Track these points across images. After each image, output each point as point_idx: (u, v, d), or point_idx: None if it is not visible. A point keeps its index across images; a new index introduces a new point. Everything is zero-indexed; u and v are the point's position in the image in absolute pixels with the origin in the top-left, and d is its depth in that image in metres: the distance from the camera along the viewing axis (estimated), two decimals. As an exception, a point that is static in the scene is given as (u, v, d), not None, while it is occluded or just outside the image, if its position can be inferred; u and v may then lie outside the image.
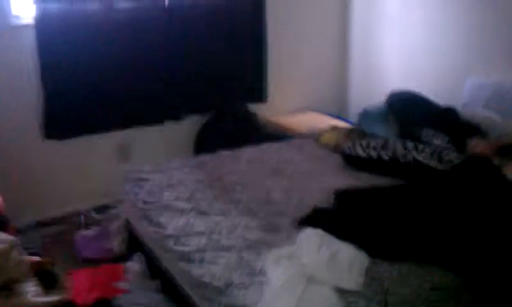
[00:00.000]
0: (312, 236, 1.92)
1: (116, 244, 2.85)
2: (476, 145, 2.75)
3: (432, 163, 2.56)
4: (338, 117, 4.33)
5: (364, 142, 2.82)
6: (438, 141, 2.79)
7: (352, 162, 2.81)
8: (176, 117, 3.74)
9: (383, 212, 2.10)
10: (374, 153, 2.70)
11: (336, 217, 2.12)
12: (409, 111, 3.24)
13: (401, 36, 4.03)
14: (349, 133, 3.21)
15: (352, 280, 1.70)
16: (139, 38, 3.47)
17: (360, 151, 2.77)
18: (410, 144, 2.71)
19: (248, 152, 3.03)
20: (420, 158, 2.59)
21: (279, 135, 3.76)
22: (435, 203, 2.12)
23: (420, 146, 2.69)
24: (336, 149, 3.02)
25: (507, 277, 1.76)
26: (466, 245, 1.85)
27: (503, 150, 2.62)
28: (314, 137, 3.32)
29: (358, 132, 3.21)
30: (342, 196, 2.28)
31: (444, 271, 1.78)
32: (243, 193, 2.46)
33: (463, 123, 3.01)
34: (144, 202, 2.50)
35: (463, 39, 3.52)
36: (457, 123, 3.02)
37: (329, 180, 2.57)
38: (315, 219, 2.09)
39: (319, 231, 1.95)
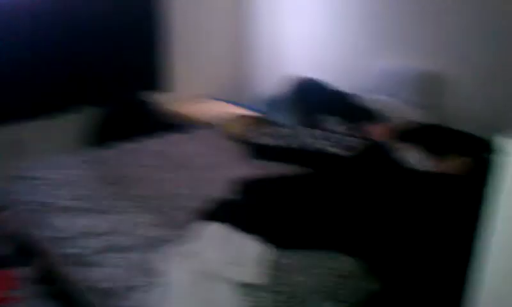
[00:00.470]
0: (215, 231, 1.86)
1: (6, 249, 2.62)
2: (374, 129, 2.84)
3: (338, 150, 2.60)
4: (242, 105, 4.31)
5: (272, 131, 2.82)
6: (342, 128, 2.85)
7: (260, 151, 2.78)
8: (71, 109, 3.53)
9: (288, 202, 2.10)
10: (282, 142, 2.70)
11: (241, 209, 2.08)
12: (311, 98, 3.28)
13: (305, 23, 4.08)
14: (255, 122, 3.19)
15: (259, 274, 1.67)
16: (28, 31, 3.24)
17: (267, 140, 2.76)
18: (317, 132, 2.74)
19: (150, 145, 2.91)
20: (327, 146, 2.63)
21: (182, 124, 3.67)
22: (339, 191, 2.15)
23: (326, 134, 2.73)
24: (242, 138, 2.98)
25: (410, 263, 1.82)
26: (370, 232, 1.89)
27: (404, 135, 2.72)
28: (219, 126, 3.26)
29: (264, 121, 3.20)
30: (247, 186, 2.25)
31: (350, 259, 1.80)
32: (146, 189, 2.35)
33: (365, 109, 3.10)
34: (38, 203, 2.31)
35: (368, 27, 3.61)
36: (360, 109, 3.11)
37: (236, 171, 2.53)
38: (219, 212, 2.03)
39: (223, 226, 1.89)
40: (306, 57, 4.10)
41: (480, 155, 2.48)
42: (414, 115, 3.04)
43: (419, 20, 3.27)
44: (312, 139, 2.69)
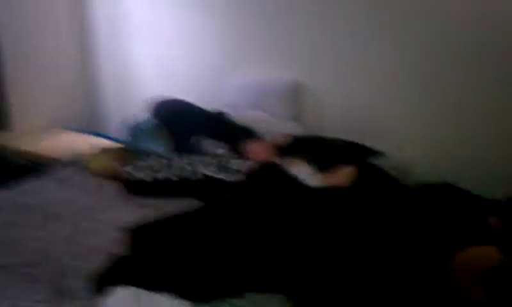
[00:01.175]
0: (122, 299, 1.58)
1: None
2: (254, 147, 2.77)
3: (222, 175, 2.47)
4: (96, 134, 3.95)
5: (144, 164, 2.57)
6: (219, 149, 2.72)
7: (135, 188, 2.51)
8: None
9: (189, 245, 1.89)
10: (159, 175, 2.48)
11: (139, 265, 1.81)
12: (179, 120, 3.08)
13: (153, 41, 3.87)
14: (122, 154, 2.88)
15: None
16: None
17: (142, 175, 2.51)
18: (196, 159, 2.57)
19: (8, 197, 2.43)
20: (209, 172, 2.47)
21: (35, 165, 3.22)
22: (239, 221, 2.02)
23: (205, 159, 2.58)
24: (112, 175, 2.67)
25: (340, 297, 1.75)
26: (286, 262, 1.79)
27: (286, 150, 2.69)
28: (80, 163, 2.89)
29: (131, 152, 2.91)
30: (136, 236, 1.98)
31: (273, 297, 1.68)
32: (13, 255, 1.94)
33: (239, 127, 3.01)
34: None
35: (220, 42, 3.54)
36: (232, 127, 3.01)
37: (115, 216, 2.24)
38: (115, 273, 1.74)
39: (129, 290, 1.62)
40: (159, 76, 3.90)
41: (363, 161, 2.55)
42: (287, 127, 3.05)
43: (274, 31, 3.30)
44: (192, 167, 2.52)
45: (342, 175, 2.37)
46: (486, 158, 2.76)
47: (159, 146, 2.89)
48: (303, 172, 2.41)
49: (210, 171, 2.48)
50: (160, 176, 2.47)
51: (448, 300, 1.67)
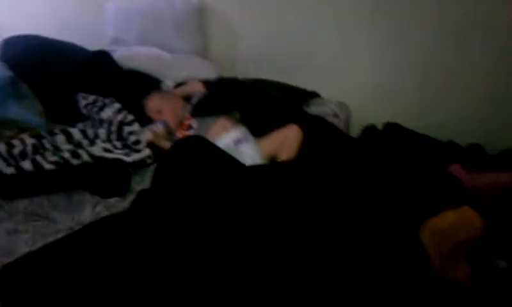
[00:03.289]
0: None
1: None
2: (156, 104, 2.05)
3: (118, 153, 1.74)
4: None
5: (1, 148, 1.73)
6: (110, 110, 1.95)
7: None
8: None
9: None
10: (26, 164, 1.67)
11: None
12: (43, 69, 2.21)
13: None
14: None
15: None
16: None
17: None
18: (76, 132, 1.80)
19: None
20: (101, 152, 1.73)
21: None
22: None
23: (90, 131, 1.82)
24: None
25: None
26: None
27: (196, 105, 2.01)
28: None
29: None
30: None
31: None
32: None
33: (127, 73, 2.23)
34: None
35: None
36: (120, 74, 2.23)
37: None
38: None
39: None
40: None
41: (302, 114, 1.99)
42: (194, 69, 2.33)
43: None
44: (73, 146, 1.76)
45: (287, 144, 1.78)
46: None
47: (22, 110, 2.01)
48: (236, 140, 1.77)
49: (102, 150, 1.73)
50: (27, 164, 1.66)
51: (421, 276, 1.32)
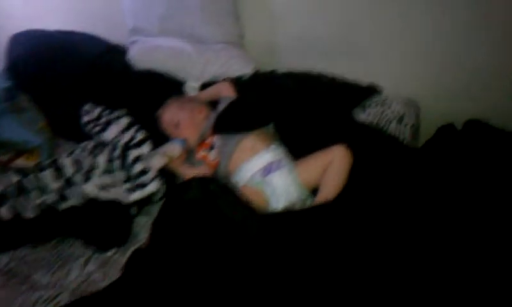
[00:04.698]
0: None
1: None
2: (172, 116, 1.66)
3: (122, 192, 1.40)
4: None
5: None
6: (115, 128, 1.60)
7: None
8: None
9: None
10: (3, 210, 1.36)
11: None
12: (50, 70, 1.88)
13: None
14: None
15: None
16: None
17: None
18: (68, 165, 1.48)
19: None
20: (95, 192, 1.40)
21: None
22: None
23: (87, 161, 1.49)
24: None
25: None
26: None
27: (223, 117, 1.60)
28: None
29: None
30: None
31: None
32: None
33: (143, 73, 1.88)
34: None
35: None
36: (135, 76, 1.87)
37: None
38: None
39: None
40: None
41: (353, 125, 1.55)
42: (226, 61, 1.91)
43: None
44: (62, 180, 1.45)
45: (332, 172, 1.36)
46: None
47: (15, 128, 1.71)
48: (266, 168, 1.38)
49: (92, 188, 1.40)
50: (3, 211, 1.36)
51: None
